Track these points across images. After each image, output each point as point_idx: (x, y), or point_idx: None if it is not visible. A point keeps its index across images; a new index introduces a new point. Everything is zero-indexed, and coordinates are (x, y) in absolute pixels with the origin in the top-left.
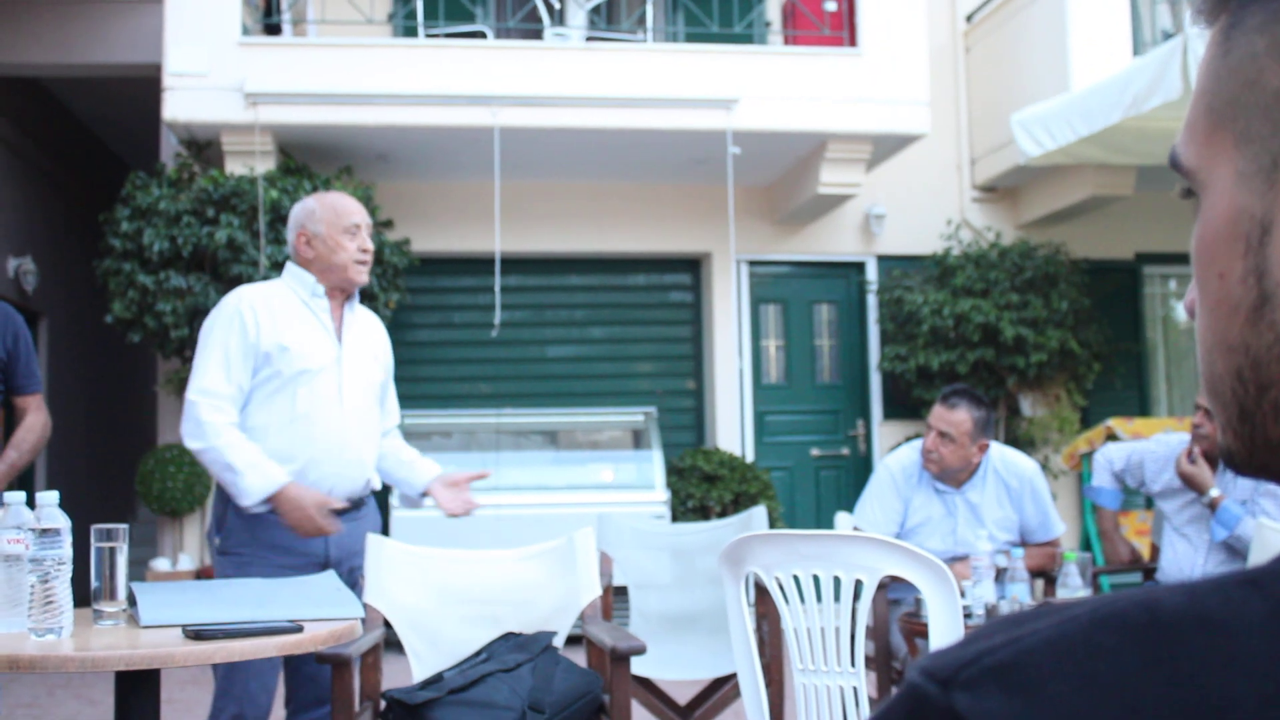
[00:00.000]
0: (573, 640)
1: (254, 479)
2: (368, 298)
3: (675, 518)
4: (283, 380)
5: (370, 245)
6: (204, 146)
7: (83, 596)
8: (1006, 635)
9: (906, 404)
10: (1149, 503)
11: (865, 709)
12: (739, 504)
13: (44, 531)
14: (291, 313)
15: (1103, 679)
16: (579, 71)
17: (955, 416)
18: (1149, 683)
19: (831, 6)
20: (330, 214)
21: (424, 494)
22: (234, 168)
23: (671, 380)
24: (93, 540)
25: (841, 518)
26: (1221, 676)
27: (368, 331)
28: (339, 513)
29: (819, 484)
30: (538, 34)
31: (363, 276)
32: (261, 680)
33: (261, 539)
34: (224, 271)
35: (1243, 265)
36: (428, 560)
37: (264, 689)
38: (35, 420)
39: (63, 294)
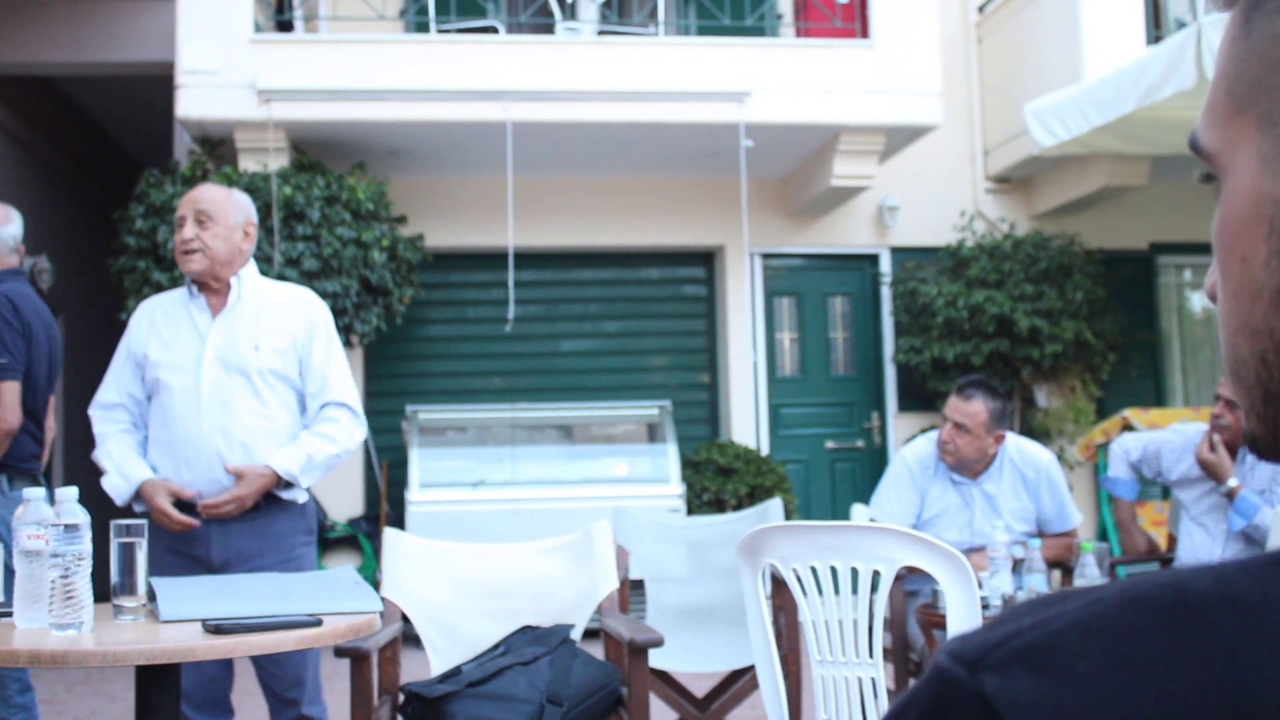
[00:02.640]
0: (590, 633)
1: (114, 479)
2: (382, 294)
3: (690, 511)
4: (154, 391)
5: (189, 235)
6: (217, 144)
7: (103, 592)
8: (1034, 618)
9: (921, 396)
10: (1165, 493)
11: (883, 700)
12: (754, 497)
13: (64, 527)
14: (168, 318)
15: (1132, 660)
16: (591, 66)
17: (971, 408)
18: (1178, 663)
19: None
20: None
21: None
22: (247, 165)
23: (686, 374)
24: (112, 536)
25: (858, 510)
26: (1251, 657)
27: (257, 320)
28: (240, 516)
29: (834, 476)
30: (549, 28)
31: (188, 265)
32: (194, 674)
33: (160, 541)
34: None
35: (1266, 249)
36: (445, 554)
37: (192, 682)
38: None
39: (79, 292)
